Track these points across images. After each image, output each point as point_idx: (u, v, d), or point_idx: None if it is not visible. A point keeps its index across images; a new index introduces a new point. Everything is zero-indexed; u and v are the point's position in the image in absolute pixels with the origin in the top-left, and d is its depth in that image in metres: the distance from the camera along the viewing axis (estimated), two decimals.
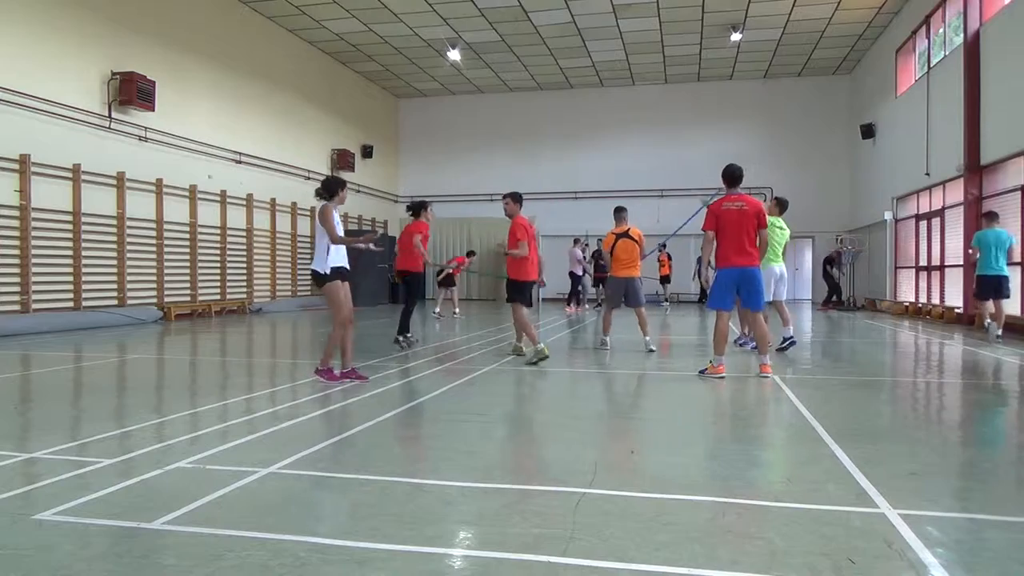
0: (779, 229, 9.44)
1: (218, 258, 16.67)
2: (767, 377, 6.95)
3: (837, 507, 3.11)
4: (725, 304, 7.12)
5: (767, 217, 8.51)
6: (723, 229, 7.04)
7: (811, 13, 18.03)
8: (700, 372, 7.17)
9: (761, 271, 7.48)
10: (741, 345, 9.60)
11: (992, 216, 10.93)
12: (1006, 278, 10.56)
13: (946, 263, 15.47)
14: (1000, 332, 10.42)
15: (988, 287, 10.60)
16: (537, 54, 21.33)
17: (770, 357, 7.28)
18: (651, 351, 9.09)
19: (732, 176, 7.17)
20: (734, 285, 7.07)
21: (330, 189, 6.59)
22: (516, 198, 8.57)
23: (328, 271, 6.45)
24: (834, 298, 20.55)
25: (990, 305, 10.67)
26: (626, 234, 9.43)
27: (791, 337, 9.13)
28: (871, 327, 13.66)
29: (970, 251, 11.06)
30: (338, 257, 6.50)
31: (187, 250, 15.67)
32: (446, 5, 17.47)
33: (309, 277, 5.44)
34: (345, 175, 22.43)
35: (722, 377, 6.90)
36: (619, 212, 9.73)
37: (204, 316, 15.73)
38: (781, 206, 9.71)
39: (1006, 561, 2.58)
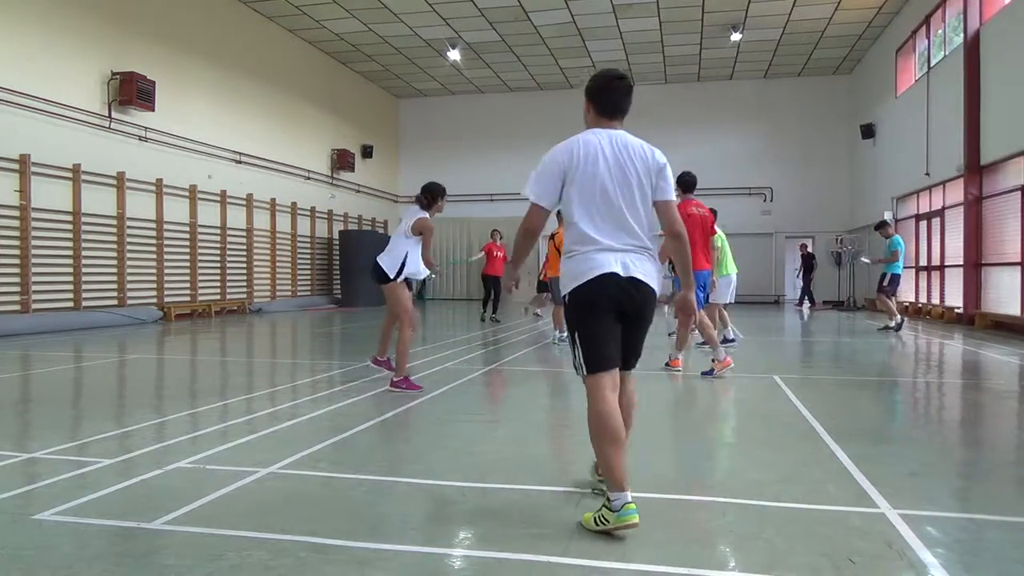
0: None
1: (218, 258, 16.66)
2: (675, 372, 7.28)
3: (837, 507, 3.11)
4: (699, 304, 7.49)
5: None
6: (690, 232, 7.23)
7: (811, 13, 18.03)
8: (703, 373, 7.12)
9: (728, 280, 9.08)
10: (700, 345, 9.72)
11: (889, 224, 13.24)
12: None
13: (946, 263, 15.48)
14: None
15: (898, 284, 12.67)
16: (537, 54, 21.33)
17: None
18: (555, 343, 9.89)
19: (690, 183, 7.58)
20: (702, 286, 7.47)
21: (433, 196, 6.18)
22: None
23: (397, 276, 6.12)
24: (806, 298, 21.69)
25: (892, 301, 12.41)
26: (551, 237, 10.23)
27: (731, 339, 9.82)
28: (871, 327, 13.65)
29: (889, 256, 12.60)
30: (415, 266, 6.20)
31: (187, 250, 15.67)
32: (446, 5, 17.48)
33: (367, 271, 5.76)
34: (345, 175, 22.46)
35: (731, 367, 7.14)
36: None
37: (204, 316, 15.73)
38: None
39: (1006, 561, 2.58)
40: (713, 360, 7.17)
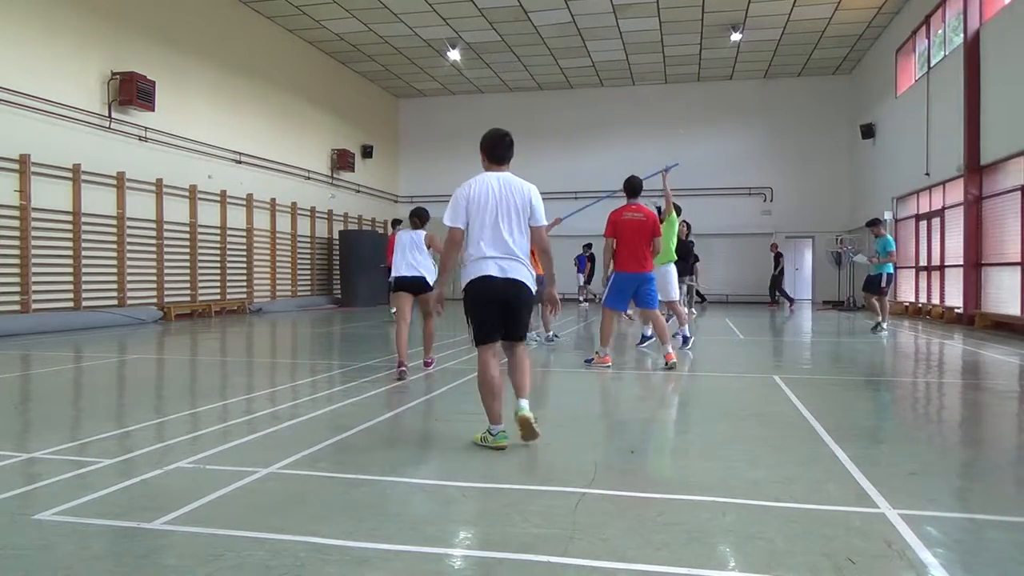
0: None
1: (218, 258, 16.67)
2: (673, 366, 7.39)
3: (837, 507, 3.11)
4: (621, 305, 7.88)
5: (667, 217, 9.16)
6: (622, 237, 7.57)
7: (811, 13, 18.03)
8: (586, 361, 7.85)
9: (662, 272, 8.61)
10: (641, 344, 9.55)
11: (882, 223, 12.62)
12: None
13: (946, 263, 15.48)
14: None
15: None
16: (537, 54, 21.33)
17: (673, 347, 7.80)
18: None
19: (633, 188, 7.69)
20: (631, 289, 7.66)
21: (425, 220, 7.43)
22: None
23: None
24: (777, 297, 21.90)
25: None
26: None
27: (689, 336, 9.41)
28: (870, 327, 13.64)
29: (885, 256, 12.08)
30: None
31: (187, 250, 15.68)
32: (446, 5, 17.48)
33: (416, 281, 6.75)
34: (345, 175, 22.46)
35: (608, 367, 7.55)
36: None
37: (204, 316, 15.73)
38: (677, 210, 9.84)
39: (1006, 561, 2.58)
40: (596, 352, 7.81)
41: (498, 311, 4.15)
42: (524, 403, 4.14)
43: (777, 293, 22.17)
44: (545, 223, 4.36)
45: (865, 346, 10.43)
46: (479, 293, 4.14)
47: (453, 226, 4.19)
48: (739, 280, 23.80)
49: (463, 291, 4.21)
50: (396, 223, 15.03)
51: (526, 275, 4.20)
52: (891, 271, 12.35)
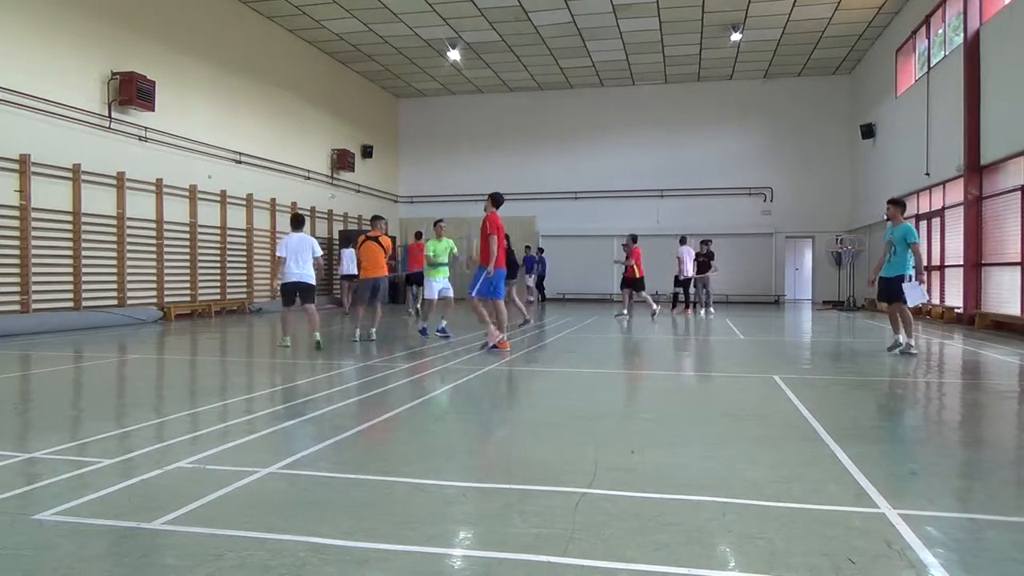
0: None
1: (218, 258, 16.67)
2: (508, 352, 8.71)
3: (837, 507, 3.11)
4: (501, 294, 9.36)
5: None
6: (501, 240, 9.13)
7: (811, 13, 18.03)
8: (489, 347, 9.14)
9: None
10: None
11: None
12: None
13: (946, 263, 15.48)
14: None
15: None
16: (537, 54, 21.33)
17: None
18: (372, 340, 10.19)
19: (499, 200, 9.33)
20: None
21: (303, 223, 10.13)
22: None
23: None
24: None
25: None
26: (375, 239, 10.50)
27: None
28: (871, 327, 13.66)
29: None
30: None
31: (187, 250, 15.68)
32: (446, 5, 17.48)
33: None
34: (345, 175, 22.47)
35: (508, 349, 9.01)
36: (374, 220, 11.06)
37: (204, 316, 15.73)
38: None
39: (1006, 561, 2.58)
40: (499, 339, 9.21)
41: (294, 293, 9.42)
42: (317, 334, 9.28)
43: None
44: (321, 255, 9.53)
45: (865, 346, 10.43)
46: (288, 286, 9.40)
47: (280, 255, 9.41)
48: (739, 280, 23.81)
49: (280, 285, 9.49)
50: (419, 235, 16.18)
51: (309, 278, 9.41)
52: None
